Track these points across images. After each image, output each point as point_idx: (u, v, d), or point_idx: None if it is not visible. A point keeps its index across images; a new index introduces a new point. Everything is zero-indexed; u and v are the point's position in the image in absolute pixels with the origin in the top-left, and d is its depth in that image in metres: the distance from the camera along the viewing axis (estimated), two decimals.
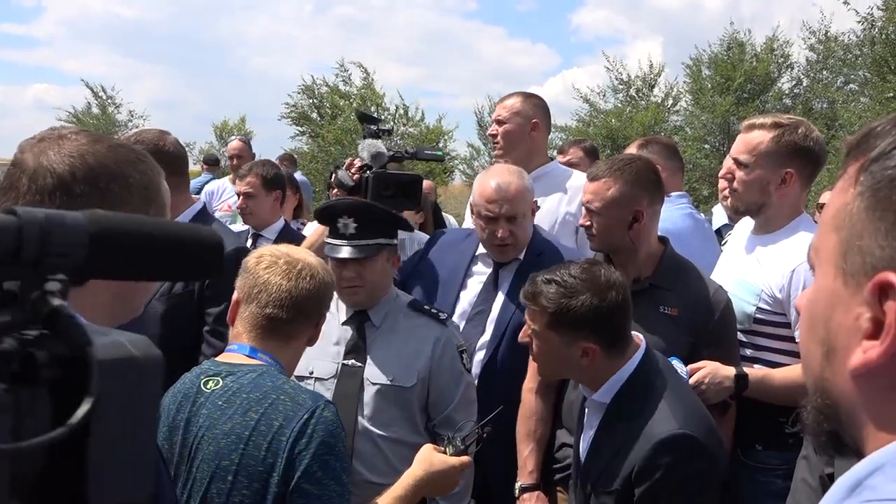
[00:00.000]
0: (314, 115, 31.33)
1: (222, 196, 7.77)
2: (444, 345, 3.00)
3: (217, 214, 6.58)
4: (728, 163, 3.04)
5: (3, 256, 0.61)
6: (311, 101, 31.57)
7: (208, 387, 2.22)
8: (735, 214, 3.15)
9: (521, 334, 2.52)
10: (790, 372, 2.83)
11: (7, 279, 0.61)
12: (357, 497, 2.97)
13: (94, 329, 0.64)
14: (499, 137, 4.06)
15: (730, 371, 2.77)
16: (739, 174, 2.97)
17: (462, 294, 3.39)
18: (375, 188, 3.28)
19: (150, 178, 1.46)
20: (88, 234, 0.67)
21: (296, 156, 27.56)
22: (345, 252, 2.92)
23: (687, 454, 2.21)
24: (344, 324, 3.04)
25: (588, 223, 2.97)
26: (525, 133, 4.09)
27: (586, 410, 2.51)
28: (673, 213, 3.66)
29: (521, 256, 3.37)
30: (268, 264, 2.27)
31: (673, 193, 3.81)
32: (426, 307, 3.13)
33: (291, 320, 2.26)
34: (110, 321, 1.41)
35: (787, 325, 2.87)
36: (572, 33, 65.50)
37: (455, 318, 3.31)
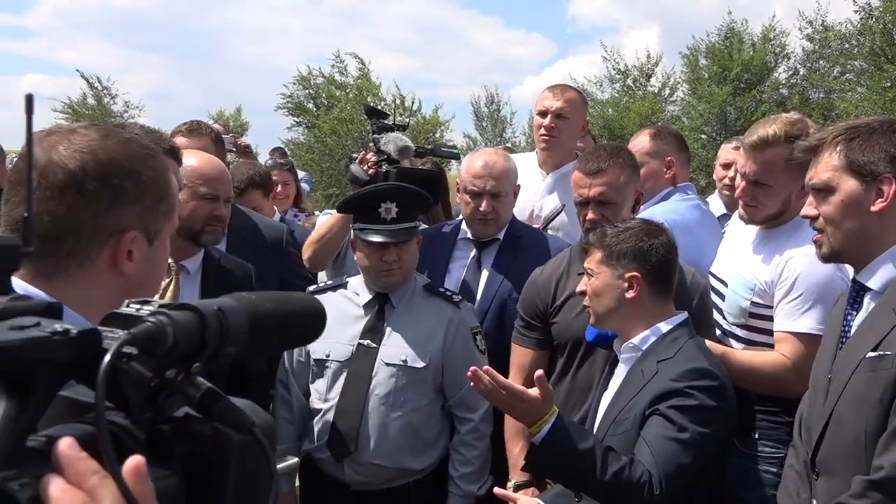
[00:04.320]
0: (310, 106, 31.29)
1: None
2: (458, 326, 3.04)
3: None
4: (737, 176, 2.95)
5: (185, 353, 0.64)
6: (307, 91, 31.52)
7: None
8: (749, 224, 3.07)
9: (577, 287, 2.67)
10: (752, 355, 2.83)
11: (169, 368, 0.64)
12: (362, 477, 3.00)
13: (248, 408, 0.68)
14: (557, 131, 3.89)
15: None
16: (760, 193, 2.91)
17: (447, 278, 3.43)
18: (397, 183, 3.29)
19: (160, 175, 1.44)
20: (249, 323, 0.70)
21: (292, 146, 27.61)
22: (388, 236, 2.96)
23: (710, 385, 2.35)
24: (365, 306, 3.08)
25: (598, 216, 2.92)
26: (579, 130, 4.04)
27: (618, 364, 2.60)
28: (680, 205, 3.61)
29: (501, 237, 3.43)
30: None
31: (680, 184, 3.79)
32: (441, 289, 3.17)
33: None
34: None
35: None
36: (568, 23, 65.50)
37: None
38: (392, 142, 3.38)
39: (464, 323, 3.06)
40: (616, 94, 29.90)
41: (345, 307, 3.09)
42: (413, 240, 3.04)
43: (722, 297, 3.01)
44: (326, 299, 3.08)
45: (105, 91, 33.75)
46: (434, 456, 3.06)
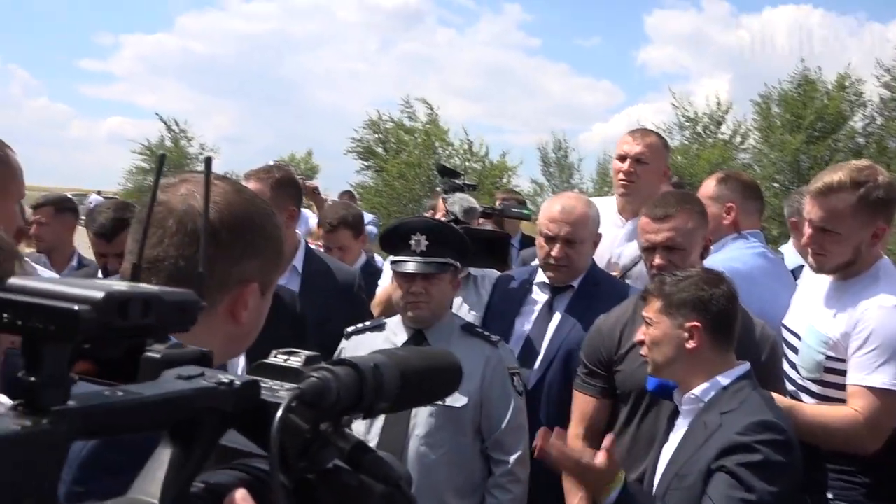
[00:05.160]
0: (379, 150, 31.77)
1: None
2: (495, 366, 3.01)
3: None
4: (806, 226, 2.90)
5: (345, 407, 0.67)
6: (376, 135, 32.04)
7: None
8: (819, 273, 3.00)
9: (636, 336, 2.62)
10: (822, 410, 2.74)
11: (324, 421, 0.67)
12: None
13: (392, 462, 0.70)
14: (636, 176, 3.80)
15: None
16: (828, 241, 2.84)
17: (517, 320, 3.42)
18: None
19: (279, 232, 1.52)
20: (400, 378, 0.73)
21: (361, 189, 27.99)
22: (414, 267, 2.98)
23: (776, 439, 2.28)
24: (403, 345, 3.08)
25: (665, 262, 2.88)
26: (660, 176, 3.93)
27: (679, 416, 2.55)
28: (744, 253, 3.52)
29: (577, 284, 3.37)
30: None
31: (745, 231, 3.71)
32: (478, 329, 3.15)
33: None
34: (221, 360, 1.49)
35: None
36: (637, 70, 65.38)
37: (510, 343, 3.31)
38: (458, 202, 3.41)
39: (501, 363, 3.04)
40: (686, 142, 29.62)
41: (382, 346, 3.09)
42: (444, 276, 3.02)
43: (795, 350, 2.93)
44: (365, 339, 3.13)
45: (182, 133, 34.92)
46: (479, 496, 3.02)
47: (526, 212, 3.82)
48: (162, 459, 0.63)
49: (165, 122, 34.60)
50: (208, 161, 0.85)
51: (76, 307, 0.55)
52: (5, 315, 0.56)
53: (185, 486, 0.63)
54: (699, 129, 29.77)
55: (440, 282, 3.01)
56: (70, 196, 5.18)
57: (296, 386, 0.65)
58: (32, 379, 0.54)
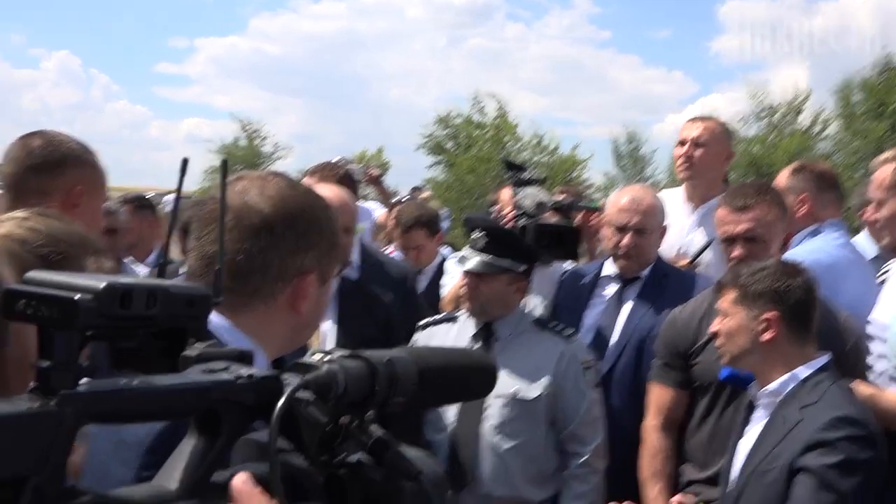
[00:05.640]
0: (449, 146, 31.86)
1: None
2: (569, 360, 3.03)
3: None
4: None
5: (355, 399, 0.69)
6: (446, 131, 32.13)
7: None
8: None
9: (710, 327, 2.60)
10: None
11: (343, 415, 0.69)
12: None
13: (419, 458, 0.71)
14: (695, 160, 3.84)
15: None
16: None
17: (586, 312, 3.43)
18: (535, 238, 3.31)
19: (334, 225, 1.56)
20: (418, 375, 0.74)
21: (432, 184, 28.15)
22: (468, 264, 3.06)
23: (859, 434, 2.24)
24: (472, 337, 3.13)
25: (745, 253, 2.84)
26: (721, 160, 3.95)
27: (755, 409, 2.51)
28: (827, 244, 3.41)
29: (645, 275, 3.38)
30: None
31: (824, 223, 3.60)
32: (551, 323, 3.18)
33: None
34: (284, 349, 1.53)
35: None
36: (711, 60, 63.89)
37: (581, 335, 3.32)
38: (529, 197, 3.41)
39: (575, 357, 3.05)
40: (763, 131, 28.90)
41: (454, 339, 3.16)
42: (500, 277, 3.04)
43: (884, 340, 2.84)
44: (437, 331, 3.23)
45: (255, 133, 35.57)
46: (553, 488, 3.03)
47: (594, 204, 3.80)
48: (186, 450, 0.67)
49: (240, 122, 35.33)
50: (224, 164, 0.92)
51: (77, 296, 0.60)
52: (21, 304, 0.61)
53: (206, 474, 0.67)
54: (777, 118, 28.99)
55: (493, 281, 3.05)
56: (146, 195, 5.32)
57: (302, 376, 0.67)
58: (44, 364, 0.58)
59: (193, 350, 0.69)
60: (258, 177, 1.52)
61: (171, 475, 0.66)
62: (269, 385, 0.66)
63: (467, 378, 0.83)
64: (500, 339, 3.09)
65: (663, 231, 3.44)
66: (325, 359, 0.70)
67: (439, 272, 4.86)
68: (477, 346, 3.10)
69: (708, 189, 3.82)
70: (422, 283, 4.78)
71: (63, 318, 0.60)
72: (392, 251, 5.52)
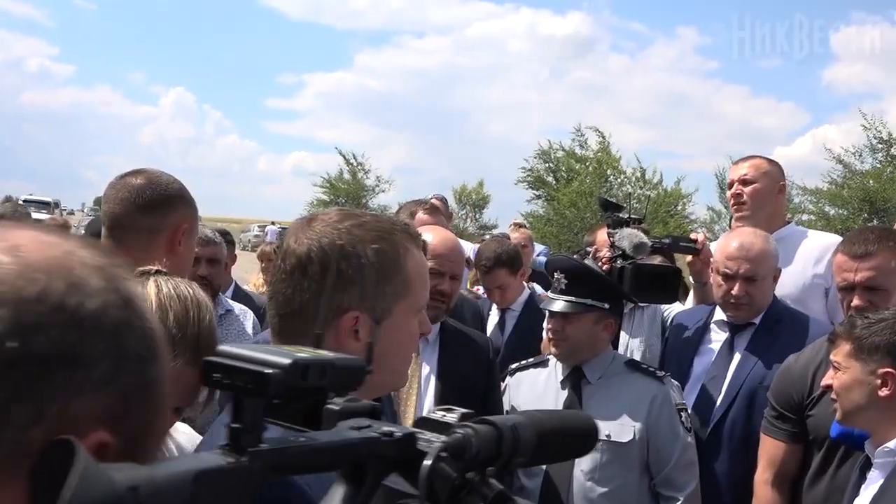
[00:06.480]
0: (550, 179, 31.80)
1: None
2: (662, 402, 2.98)
3: None
4: None
5: (485, 459, 0.77)
6: (546, 164, 32.11)
7: None
8: None
9: (823, 380, 2.52)
10: None
11: (470, 471, 0.77)
12: None
13: None
14: (745, 197, 3.88)
15: None
16: None
17: (696, 360, 3.36)
18: (633, 280, 3.27)
19: (386, 256, 1.47)
20: (537, 437, 0.82)
21: (531, 219, 28.10)
22: (552, 305, 3.05)
23: None
24: (562, 381, 3.11)
25: (864, 303, 2.76)
26: (773, 194, 3.96)
27: (871, 468, 2.40)
28: None
29: (758, 321, 3.29)
30: None
31: None
32: (644, 365, 3.15)
33: None
34: (377, 393, 1.48)
35: None
36: (823, 90, 61.94)
37: (690, 384, 3.27)
38: (626, 238, 3.35)
39: (669, 399, 2.99)
40: (878, 164, 27.75)
41: (545, 383, 3.15)
42: (585, 316, 3.01)
43: None
44: (527, 375, 3.23)
45: (359, 166, 36.37)
46: None
47: (694, 245, 3.71)
48: (336, 496, 0.76)
49: (344, 156, 36.18)
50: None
51: (269, 371, 0.70)
52: (216, 374, 0.71)
53: None
54: (894, 150, 27.79)
55: (578, 321, 3.03)
56: (226, 229, 5.27)
57: (443, 439, 0.76)
58: (235, 426, 0.68)
59: (335, 404, 0.78)
60: (317, 216, 1.52)
61: None
62: (407, 442, 0.76)
63: (579, 439, 0.90)
64: (590, 382, 3.07)
65: (777, 274, 3.34)
66: (453, 418, 0.80)
67: (527, 308, 4.74)
68: (566, 390, 3.07)
69: (769, 225, 3.74)
70: (508, 323, 4.74)
71: (256, 388, 0.69)
72: (478, 289, 5.51)
